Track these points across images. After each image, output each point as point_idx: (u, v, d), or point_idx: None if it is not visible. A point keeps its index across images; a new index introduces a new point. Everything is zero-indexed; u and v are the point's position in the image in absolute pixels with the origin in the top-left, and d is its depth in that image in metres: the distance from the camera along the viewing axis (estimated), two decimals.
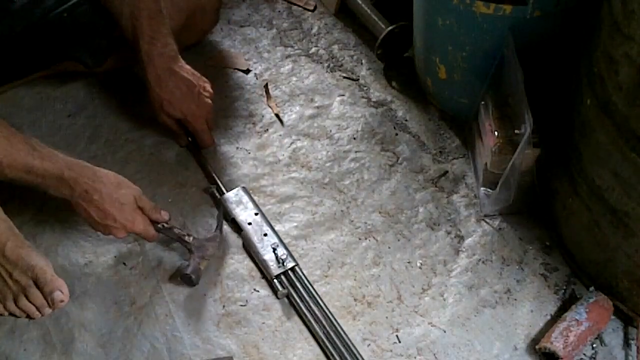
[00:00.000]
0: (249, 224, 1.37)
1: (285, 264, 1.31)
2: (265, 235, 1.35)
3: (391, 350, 1.26)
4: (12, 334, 1.25)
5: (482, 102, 1.40)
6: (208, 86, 1.44)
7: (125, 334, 1.26)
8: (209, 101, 1.44)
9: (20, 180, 1.18)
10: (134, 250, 1.36)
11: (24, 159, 1.16)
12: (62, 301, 1.23)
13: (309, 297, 1.29)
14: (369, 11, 1.68)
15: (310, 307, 1.28)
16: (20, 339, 1.24)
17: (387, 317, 1.30)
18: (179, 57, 1.40)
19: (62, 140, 1.51)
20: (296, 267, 1.32)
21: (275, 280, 1.30)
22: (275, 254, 1.32)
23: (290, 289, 1.30)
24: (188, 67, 1.42)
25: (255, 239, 1.35)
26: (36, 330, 1.25)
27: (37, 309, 1.24)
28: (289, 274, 1.31)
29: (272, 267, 1.31)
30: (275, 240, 1.34)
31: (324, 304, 1.28)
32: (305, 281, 1.30)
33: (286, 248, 1.34)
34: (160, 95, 1.40)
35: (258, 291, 1.32)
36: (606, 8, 1.13)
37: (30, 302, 1.23)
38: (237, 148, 1.52)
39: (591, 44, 1.19)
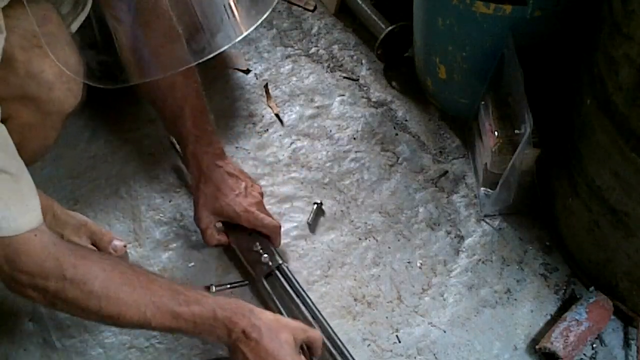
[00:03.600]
0: (232, 224, 1.32)
1: (270, 264, 1.28)
2: (250, 234, 1.31)
3: (391, 350, 1.26)
4: (12, 334, 1.25)
5: (482, 102, 1.40)
6: (258, 187, 1.35)
7: (125, 334, 1.26)
8: (259, 195, 1.33)
9: (169, 328, 1.07)
10: (134, 251, 1.36)
11: (168, 306, 1.06)
12: (125, 246, 1.30)
13: (297, 295, 1.26)
14: (369, 11, 1.68)
15: (298, 305, 1.25)
16: (20, 339, 1.24)
17: (387, 317, 1.30)
18: (225, 155, 1.34)
19: (62, 140, 1.50)
20: (282, 266, 1.29)
21: (263, 281, 1.27)
22: (260, 252, 1.29)
23: (278, 288, 1.27)
24: (235, 165, 1.35)
25: (240, 237, 1.32)
26: (36, 330, 1.25)
27: None
28: (275, 273, 1.28)
29: (257, 268, 1.28)
30: (260, 240, 1.30)
31: (312, 302, 1.25)
32: (292, 279, 1.28)
33: (272, 247, 1.31)
34: (205, 191, 1.29)
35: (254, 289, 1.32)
36: (606, 8, 1.13)
37: None
38: (237, 148, 1.52)
39: (591, 44, 1.19)
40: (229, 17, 0.97)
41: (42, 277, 0.99)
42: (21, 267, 0.98)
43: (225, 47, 0.98)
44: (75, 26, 1.06)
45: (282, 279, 1.28)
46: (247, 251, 1.30)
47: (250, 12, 0.98)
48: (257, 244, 1.29)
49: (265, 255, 1.28)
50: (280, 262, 1.29)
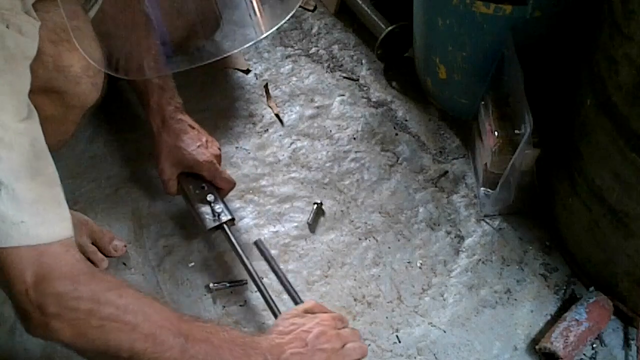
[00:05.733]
0: (187, 175, 1.33)
1: (220, 217, 1.29)
2: (203, 187, 1.32)
3: (391, 350, 1.26)
4: (12, 334, 1.25)
5: (482, 102, 1.40)
6: (217, 143, 1.37)
7: None
8: (218, 150, 1.35)
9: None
10: (134, 251, 1.36)
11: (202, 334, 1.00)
12: (125, 246, 1.33)
13: (242, 251, 1.26)
14: (369, 11, 1.68)
15: (244, 261, 1.25)
16: (21, 338, 1.24)
17: (387, 317, 1.30)
18: (184, 111, 1.36)
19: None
20: (229, 222, 1.29)
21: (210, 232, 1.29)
22: (211, 207, 1.30)
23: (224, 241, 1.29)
24: (193, 121, 1.37)
25: (192, 190, 1.32)
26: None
27: (94, 265, 1.29)
28: (223, 227, 1.29)
29: (207, 219, 1.29)
30: (213, 192, 1.31)
31: (250, 263, 1.25)
32: (242, 236, 1.29)
33: (223, 202, 1.32)
34: (167, 141, 1.32)
35: (256, 292, 1.32)
36: (606, 8, 1.13)
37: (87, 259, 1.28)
38: (237, 148, 1.52)
39: (591, 44, 1.19)
40: (251, 17, 0.98)
41: (74, 296, 0.90)
42: (51, 286, 0.89)
43: (248, 45, 0.99)
44: (90, 15, 1.06)
45: (229, 234, 1.28)
46: (198, 202, 1.31)
47: (275, 11, 0.99)
48: (211, 195, 1.31)
49: (218, 206, 1.29)
50: (230, 217, 1.30)
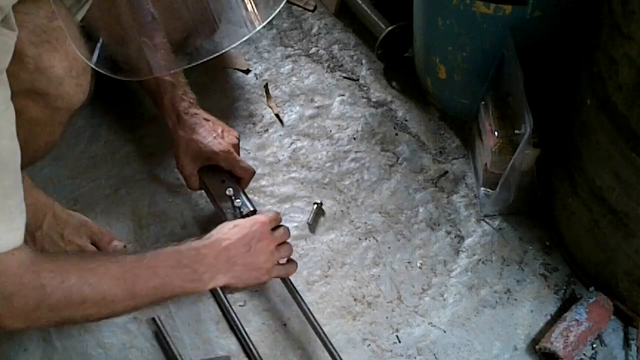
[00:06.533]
0: (207, 170, 1.34)
1: (241, 210, 1.29)
2: (223, 181, 1.33)
3: (391, 350, 1.26)
4: (12, 334, 1.25)
5: (482, 102, 1.40)
6: (234, 132, 1.38)
7: (125, 334, 1.26)
8: (235, 139, 1.37)
9: (154, 289, 1.06)
10: (134, 250, 1.36)
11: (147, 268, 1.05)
12: (125, 246, 1.32)
13: None
14: (369, 11, 1.68)
15: None
16: (21, 339, 1.24)
17: (387, 317, 1.30)
18: (197, 105, 1.37)
19: (63, 140, 1.50)
20: (251, 213, 1.30)
21: None
22: (232, 200, 1.30)
23: None
24: (208, 114, 1.38)
25: (213, 185, 1.33)
26: (36, 330, 1.25)
27: None
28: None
29: (228, 213, 1.30)
30: (233, 186, 1.32)
31: None
32: None
33: (244, 194, 1.32)
34: (183, 136, 1.32)
35: (257, 291, 1.32)
36: (606, 8, 1.13)
37: None
38: None
39: (591, 44, 1.19)
40: (244, 12, 0.97)
41: (22, 294, 0.93)
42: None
43: (244, 39, 0.99)
44: (79, 16, 1.06)
45: None
46: (219, 196, 1.31)
47: (268, 3, 0.98)
48: (230, 189, 1.31)
49: (238, 200, 1.30)
50: (252, 208, 1.30)
